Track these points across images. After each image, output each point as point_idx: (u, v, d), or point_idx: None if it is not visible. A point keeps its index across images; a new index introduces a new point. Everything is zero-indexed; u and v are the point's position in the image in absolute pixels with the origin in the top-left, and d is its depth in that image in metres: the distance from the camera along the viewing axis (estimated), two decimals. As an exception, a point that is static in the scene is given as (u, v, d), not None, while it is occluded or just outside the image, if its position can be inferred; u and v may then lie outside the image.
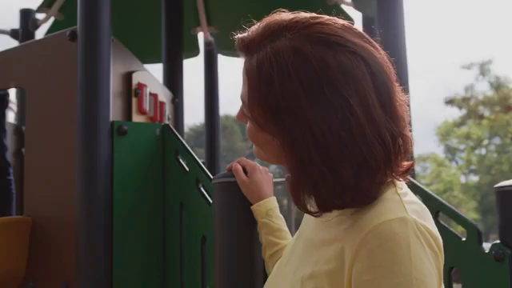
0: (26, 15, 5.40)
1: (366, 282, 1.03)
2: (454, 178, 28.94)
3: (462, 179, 29.79)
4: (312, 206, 1.16)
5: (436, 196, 2.72)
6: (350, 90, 1.07)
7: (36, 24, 5.34)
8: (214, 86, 5.93)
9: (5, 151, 3.84)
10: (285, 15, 1.16)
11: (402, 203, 1.09)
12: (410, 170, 1.20)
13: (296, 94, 1.07)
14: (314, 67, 1.07)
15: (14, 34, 5.39)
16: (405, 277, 1.01)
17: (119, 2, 4.98)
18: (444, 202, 2.71)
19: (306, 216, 1.34)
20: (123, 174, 2.82)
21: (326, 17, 1.15)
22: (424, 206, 1.14)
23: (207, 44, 5.85)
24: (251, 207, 1.74)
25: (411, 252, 1.02)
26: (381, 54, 1.15)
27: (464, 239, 2.55)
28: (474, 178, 29.83)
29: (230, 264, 1.84)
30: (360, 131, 1.06)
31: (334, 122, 1.06)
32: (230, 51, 6.17)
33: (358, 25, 4.57)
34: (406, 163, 1.18)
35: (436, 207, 2.65)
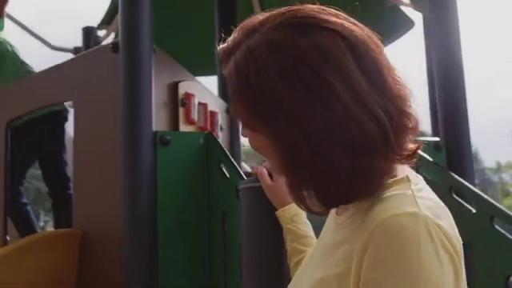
0: (88, 33, 5.54)
1: (372, 281, 0.96)
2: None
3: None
4: (315, 204, 1.10)
5: (490, 200, 2.58)
6: (329, 68, 1.01)
7: (98, 41, 5.48)
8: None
9: (64, 166, 3.92)
10: (260, 15, 1.12)
11: (414, 198, 1.00)
12: (415, 153, 1.10)
13: (275, 85, 1.02)
14: (287, 54, 1.02)
15: (77, 52, 5.53)
16: (412, 276, 0.93)
17: (172, 15, 5.04)
18: (499, 206, 2.57)
19: (327, 220, 1.27)
20: (167, 184, 2.81)
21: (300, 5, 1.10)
22: (442, 204, 1.05)
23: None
24: (276, 212, 1.69)
25: (421, 249, 0.93)
26: (362, 30, 1.08)
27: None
28: None
29: (257, 271, 1.78)
30: (345, 110, 1.00)
31: (316, 105, 1.00)
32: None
33: (419, 25, 4.45)
34: (412, 146, 1.10)
35: (491, 212, 2.51)
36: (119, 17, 2.92)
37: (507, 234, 2.47)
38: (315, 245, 1.33)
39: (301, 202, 1.10)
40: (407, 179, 1.06)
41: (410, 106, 1.08)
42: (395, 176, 1.07)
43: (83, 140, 3.13)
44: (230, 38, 1.11)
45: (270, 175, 1.72)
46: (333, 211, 1.19)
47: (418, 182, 1.08)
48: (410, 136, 1.08)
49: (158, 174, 2.79)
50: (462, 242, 1.02)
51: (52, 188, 3.96)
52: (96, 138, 3.05)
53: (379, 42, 1.10)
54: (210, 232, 2.83)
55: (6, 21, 4.56)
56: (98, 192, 3.01)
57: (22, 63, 4.12)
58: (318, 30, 1.04)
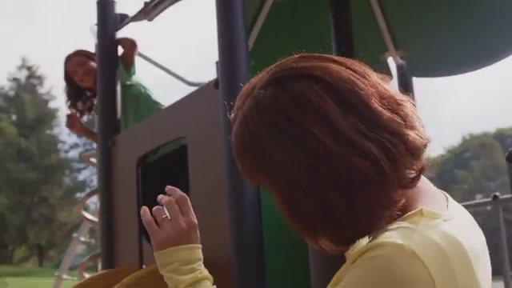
0: (222, 66, 5.78)
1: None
2: None
3: None
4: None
5: None
6: (306, 115, 1.06)
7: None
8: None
9: None
10: (257, 75, 1.21)
11: (414, 233, 1.01)
12: (419, 176, 1.11)
13: (266, 144, 1.10)
14: (271, 112, 1.10)
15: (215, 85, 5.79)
16: None
17: (287, 35, 5.15)
18: None
19: None
20: (271, 214, 2.88)
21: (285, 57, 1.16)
22: (460, 240, 1.03)
23: (399, 68, 5.78)
24: None
25: (389, 278, 0.96)
26: (344, 66, 1.12)
27: None
28: None
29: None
30: (328, 152, 1.04)
31: (301, 154, 1.06)
32: (424, 72, 6.02)
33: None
34: (416, 167, 1.10)
35: None
36: (218, 55, 3.09)
37: None
38: None
39: (318, 247, 1.15)
40: (420, 213, 1.06)
41: (411, 128, 1.08)
42: (411, 209, 1.08)
43: (197, 172, 3.31)
44: (234, 107, 1.21)
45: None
46: None
47: (437, 216, 1.07)
48: (412, 158, 1.08)
49: (261, 198, 2.89)
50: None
51: None
52: (207, 170, 3.21)
53: (367, 72, 1.13)
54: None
55: (145, 62, 4.93)
56: (210, 221, 3.16)
57: (156, 103, 4.45)
58: (294, 80, 1.11)
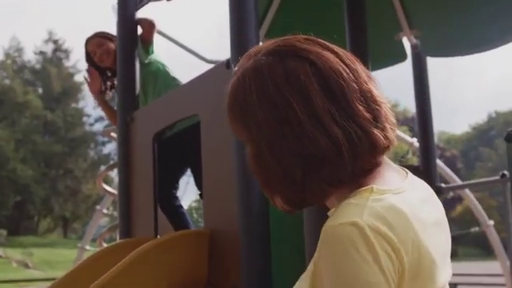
0: (239, 44, 5.90)
1: (322, 281, 1.14)
2: None
3: None
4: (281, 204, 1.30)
5: None
6: (292, 90, 1.21)
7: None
8: (425, 90, 5.88)
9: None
10: (262, 44, 1.36)
11: (364, 207, 1.15)
12: (372, 170, 1.25)
13: (251, 101, 1.25)
14: (265, 77, 1.25)
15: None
16: (348, 278, 1.08)
17: (302, 19, 5.24)
18: None
19: None
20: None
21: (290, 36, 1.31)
22: (404, 212, 1.16)
23: (413, 47, 5.85)
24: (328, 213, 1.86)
25: (357, 254, 1.09)
26: (339, 59, 1.25)
27: None
28: None
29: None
30: (299, 125, 1.19)
31: (277, 118, 1.21)
32: (438, 51, 6.08)
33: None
34: (373, 162, 1.24)
35: None
36: (229, 36, 3.22)
37: None
38: None
39: (272, 202, 1.30)
40: (371, 190, 1.20)
41: (380, 128, 1.23)
42: (365, 185, 1.22)
43: (209, 147, 3.46)
44: (239, 63, 1.36)
45: None
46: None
47: (386, 191, 1.20)
48: (371, 153, 1.23)
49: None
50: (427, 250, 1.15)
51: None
52: (218, 146, 3.36)
53: (357, 70, 1.27)
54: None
55: (164, 40, 5.05)
56: (221, 194, 3.32)
57: (174, 79, 4.60)
58: (292, 58, 1.25)
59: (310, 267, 1.22)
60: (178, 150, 4.36)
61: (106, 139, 53.03)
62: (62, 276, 3.72)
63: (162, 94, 4.43)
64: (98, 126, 56.62)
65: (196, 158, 4.38)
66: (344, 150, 1.18)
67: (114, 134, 5.49)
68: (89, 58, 4.81)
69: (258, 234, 3.00)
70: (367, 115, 1.21)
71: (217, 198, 3.35)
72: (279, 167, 1.21)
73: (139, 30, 4.53)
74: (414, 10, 5.70)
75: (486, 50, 5.90)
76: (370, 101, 1.23)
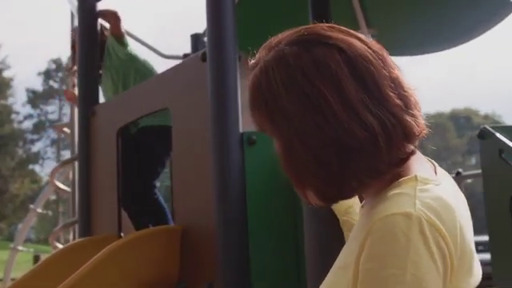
0: (196, 39, 5.83)
1: (365, 271, 1.08)
2: None
3: None
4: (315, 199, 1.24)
5: None
6: (323, 79, 1.16)
7: (205, 46, 5.75)
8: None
9: (156, 177, 4.29)
10: (281, 34, 1.28)
11: (414, 198, 1.11)
12: (407, 158, 1.21)
13: (279, 93, 1.19)
14: (291, 67, 1.18)
15: (186, 58, 5.83)
16: (400, 270, 1.03)
17: (266, 17, 5.22)
18: None
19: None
20: (255, 182, 2.99)
21: (312, 24, 1.25)
22: (449, 202, 1.13)
23: (369, 47, 5.89)
24: (332, 207, 1.82)
25: (410, 247, 1.04)
26: (365, 45, 1.21)
27: None
28: None
29: (319, 261, 1.93)
30: (334, 115, 1.14)
31: (309, 110, 1.15)
32: (393, 51, 6.15)
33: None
34: (407, 150, 1.20)
35: None
36: (206, 29, 3.15)
37: None
38: None
39: (304, 198, 1.25)
40: (415, 179, 1.16)
41: (411, 115, 1.19)
42: (405, 175, 1.18)
43: (180, 142, 3.38)
44: (256, 55, 1.28)
45: None
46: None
47: (429, 181, 1.17)
48: (406, 141, 1.19)
49: (246, 173, 2.99)
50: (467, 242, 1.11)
51: None
52: (191, 140, 3.29)
53: (384, 56, 1.23)
54: (296, 226, 2.98)
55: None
56: (193, 190, 3.25)
57: (151, 70, 4.51)
58: (319, 46, 1.19)
59: (349, 261, 1.17)
60: (159, 140, 4.26)
61: (35, 137, 51.65)
62: (23, 276, 3.57)
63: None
64: (27, 124, 55.14)
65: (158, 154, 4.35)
66: (380, 139, 1.13)
67: (66, 130, 5.32)
68: (74, 47, 4.67)
69: (236, 231, 2.95)
70: (399, 102, 1.17)
71: (189, 194, 3.27)
72: (313, 160, 1.16)
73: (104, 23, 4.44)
74: (372, 9, 5.74)
75: (433, 52, 6.02)
76: (399, 87, 1.19)
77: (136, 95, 3.86)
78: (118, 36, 4.41)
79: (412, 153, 1.21)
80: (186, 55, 5.88)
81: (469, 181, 7.34)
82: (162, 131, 4.18)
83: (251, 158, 3.01)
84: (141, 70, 4.44)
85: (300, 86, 1.16)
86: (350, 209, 1.80)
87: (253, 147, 3.01)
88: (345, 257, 1.22)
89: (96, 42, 4.32)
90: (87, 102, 4.21)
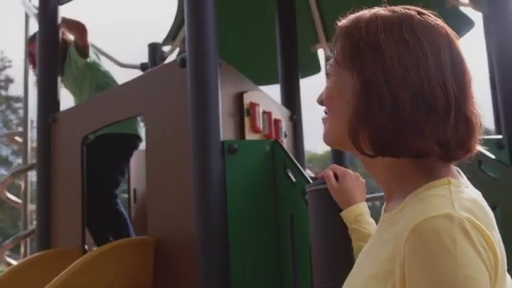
0: (154, 49, 5.75)
1: (415, 280, 1.03)
2: None
3: None
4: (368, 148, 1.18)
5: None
6: (426, 38, 1.16)
7: (163, 56, 5.68)
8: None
9: (117, 186, 4.17)
10: None
11: (451, 200, 1.07)
12: (462, 157, 1.18)
13: (377, 30, 1.17)
14: (398, 16, 1.19)
15: (143, 67, 5.73)
16: (448, 274, 0.99)
17: (234, 28, 5.20)
18: None
19: (379, 222, 1.36)
20: (236, 191, 2.93)
21: None
22: (484, 205, 1.11)
23: (327, 60, 5.91)
24: (341, 213, 1.78)
25: (457, 248, 1.00)
26: (457, 40, 1.22)
27: None
28: None
29: (326, 269, 1.88)
30: (425, 69, 1.13)
31: (404, 52, 1.14)
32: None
33: (479, 25, 4.44)
34: (462, 152, 1.17)
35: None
36: (186, 34, 3.08)
37: None
38: (367, 243, 1.41)
39: (353, 141, 1.18)
40: (448, 181, 1.13)
41: (479, 126, 1.18)
42: (438, 177, 1.15)
43: (155, 151, 3.28)
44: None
45: (336, 177, 1.83)
46: (383, 210, 1.29)
47: (461, 184, 1.14)
48: (467, 138, 1.16)
49: (227, 181, 2.92)
50: (501, 245, 1.08)
51: None
52: (167, 149, 3.20)
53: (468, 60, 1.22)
54: (278, 236, 2.93)
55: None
56: (170, 200, 3.15)
57: (111, 79, 4.39)
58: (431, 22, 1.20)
59: (382, 270, 1.12)
60: (117, 147, 4.14)
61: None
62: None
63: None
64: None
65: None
66: (452, 112, 1.12)
67: (18, 139, 5.11)
68: (31, 57, 4.52)
69: (216, 242, 2.87)
70: (476, 108, 1.17)
71: (165, 205, 3.18)
72: (390, 96, 1.12)
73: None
74: (332, 23, 5.77)
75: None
76: (474, 98, 1.19)
77: (103, 102, 3.73)
78: (83, 47, 4.28)
79: (468, 152, 1.18)
80: (143, 64, 5.79)
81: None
82: (120, 138, 4.08)
83: (232, 166, 2.95)
84: (98, 80, 4.32)
85: (402, 33, 1.16)
86: (360, 217, 1.77)
87: (234, 156, 2.95)
88: (375, 266, 1.15)
89: (57, 48, 4.17)
90: (48, 109, 4.05)
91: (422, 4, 1.25)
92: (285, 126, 4.10)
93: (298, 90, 4.91)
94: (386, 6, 1.25)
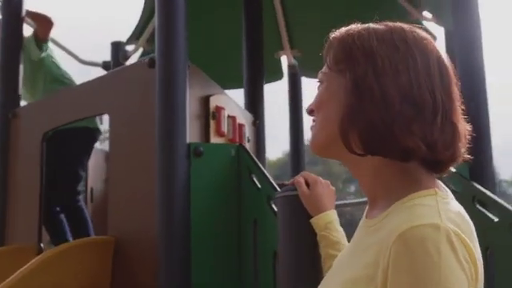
0: (117, 47, 5.69)
1: (396, 284, 1.04)
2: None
3: None
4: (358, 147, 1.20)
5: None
6: (416, 47, 1.20)
7: (126, 55, 5.63)
8: (298, 110, 6.01)
9: (79, 181, 4.10)
10: None
11: (438, 210, 1.09)
12: (447, 165, 1.20)
13: (369, 39, 1.21)
14: (389, 28, 1.24)
15: (105, 66, 5.68)
16: (430, 284, 1.01)
17: (200, 29, 5.18)
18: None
19: (359, 225, 1.37)
20: (200, 193, 2.92)
21: None
22: (467, 218, 1.13)
23: (290, 67, 5.96)
24: (311, 220, 1.79)
25: (441, 259, 1.01)
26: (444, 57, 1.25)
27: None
28: None
29: (293, 274, 1.88)
30: (414, 70, 1.17)
31: (394, 56, 1.18)
32: (314, 74, 6.24)
33: (441, 40, 4.53)
34: (448, 156, 1.19)
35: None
36: (156, 34, 3.06)
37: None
38: (344, 250, 1.42)
39: (344, 140, 1.20)
40: (434, 192, 1.15)
41: (463, 136, 1.21)
42: (424, 188, 1.16)
43: (118, 150, 3.25)
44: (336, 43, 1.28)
45: (307, 184, 1.84)
46: (364, 216, 1.30)
47: (447, 196, 1.16)
48: (456, 141, 1.19)
49: (191, 184, 2.91)
50: (480, 258, 1.10)
51: None
52: (131, 149, 3.17)
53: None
54: (240, 239, 2.94)
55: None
56: (132, 201, 3.12)
57: (66, 78, 4.31)
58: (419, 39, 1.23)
59: (363, 274, 1.14)
60: (77, 141, 4.07)
61: None
62: None
63: (53, 91, 4.13)
64: None
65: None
66: (439, 116, 1.16)
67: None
68: None
69: (178, 244, 2.86)
70: (462, 115, 1.21)
71: (127, 205, 3.14)
72: (380, 93, 1.16)
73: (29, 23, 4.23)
74: (297, 30, 5.82)
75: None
76: (460, 110, 1.23)
77: (66, 99, 3.68)
78: (42, 40, 4.21)
79: (454, 159, 1.21)
80: (105, 63, 5.73)
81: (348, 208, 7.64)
82: (80, 132, 4.01)
83: (197, 169, 2.94)
84: (53, 76, 4.24)
85: (393, 40, 1.20)
86: (330, 224, 1.78)
87: (199, 159, 2.95)
88: (357, 270, 1.16)
89: (20, 41, 4.10)
90: (7, 104, 3.97)
91: (385, 17, 1.29)
92: (248, 131, 4.11)
93: (261, 95, 4.92)
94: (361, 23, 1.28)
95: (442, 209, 1.10)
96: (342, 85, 1.21)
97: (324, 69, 1.28)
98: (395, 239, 1.05)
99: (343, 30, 1.27)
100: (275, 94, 6.60)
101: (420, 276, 1.01)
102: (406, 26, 1.25)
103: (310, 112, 1.30)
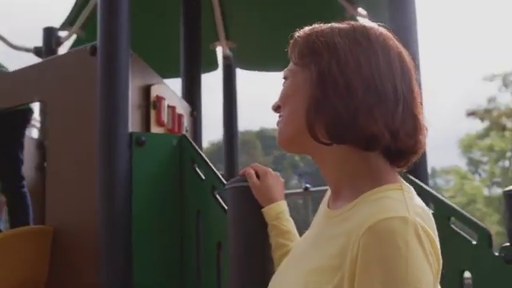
0: (49, 33, 5.55)
1: (364, 280, 1.07)
2: (477, 190, 28.71)
3: (486, 192, 29.50)
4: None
5: (447, 201, 2.76)
6: (379, 46, 1.24)
7: (59, 41, 5.50)
8: (232, 100, 6.03)
9: (20, 165, 3.97)
10: None
11: (405, 204, 1.13)
12: (410, 156, 1.25)
13: (332, 35, 1.26)
14: (353, 26, 1.28)
15: (37, 51, 5.52)
16: (397, 275, 1.04)
17: (138, 18, 5.11)
18: (455, 206, 2.75)
19: (316, 216, 1.40)
20: (142, 183, 2.91)
21: None
22: (429, 213, 1.17)
23: (225, 58, 5.97)
24: (262, 210, 1.82)
25: (409, 251, 1.05)
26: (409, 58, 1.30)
27: (475, 243, 2.58)
28: (498, 191, 29.46)
29: (243, 264, 1.90)
30: (376, 64, 1.21)
31: (357, 50, 1.23)
32: (249, 65, 6.28)
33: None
34: (410, 146, 1.23)
35: (448, 212, 2.69)
36: (98, 21, 3.01)
37: (462, 233, 2.65)
38: (302, 238, 1.46)
39: (311, 131, 1.24)
40: (400, 187, 1.19)
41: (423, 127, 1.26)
42: (389, 182, 1.21)
43: (57, 139, 3.19)
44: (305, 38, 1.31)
45: (257, 176, 1.87)
46: (325, 206, 1.34)
47: (410, 191, 1.21)
48: (416, 133, 1.23)
49: (133, 174, 2.89)
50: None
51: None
52: (70, 138, 3.12)
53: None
54: (183, 230, 2.94)
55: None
56: (71, 190, 3.08)
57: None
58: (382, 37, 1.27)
59: (329, 264, 1.17)
60: (13, 122, 3.93)
61: None
62: None
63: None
64: None
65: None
66: (400, 106, 1.20)
67: None
68: None
69: (120, 233, 2.84)
70: (422, 110, 1.26)
71: (66, 194, 3.09)
72: (344, 83, 1.20)
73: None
74: (233, 22, 5.82)
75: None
76: (420, 105, 1.28)
77: (3, 84, 3.57)
78: None
79: (413, 154, 1.26)
80: (37, 48, 5.58)
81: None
82: (13, 114, 3.85)
83: (139, 159, 2.92)
84: None
85: (356, 36, 1.24)
86: (280, 214, 1.81)
87: (141, 148, 2.93)
88: (322, 259, 1.19)
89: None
90: None
91: (322, 12, 1.33)
92: (186, 122, 4.10)
93: (199, 86, 4.91)
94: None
95: (409, 203, 1.14)
96: (307, 78, 1.25)
97: (289, 66, 1.32)
98: (365, 231, 1.08)
99: (307, 28, 1.32)
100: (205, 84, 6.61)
101: (389, 267, 1.05)
102: (367, 24, 1.30)
103: (276, 108, 1.33)
